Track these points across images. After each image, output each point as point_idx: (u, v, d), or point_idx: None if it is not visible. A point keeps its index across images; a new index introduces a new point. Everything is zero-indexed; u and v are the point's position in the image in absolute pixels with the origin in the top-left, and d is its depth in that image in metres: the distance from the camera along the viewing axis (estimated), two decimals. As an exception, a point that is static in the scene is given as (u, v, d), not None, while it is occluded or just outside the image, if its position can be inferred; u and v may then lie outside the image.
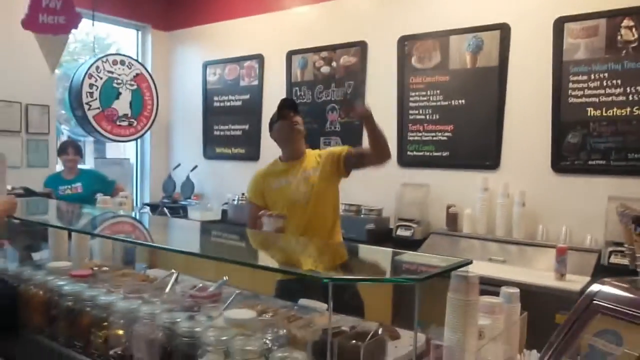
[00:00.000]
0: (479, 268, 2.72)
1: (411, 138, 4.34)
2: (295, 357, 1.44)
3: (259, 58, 5.34)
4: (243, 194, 5.15)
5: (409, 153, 4.34)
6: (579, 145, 3.59)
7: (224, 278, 2.28)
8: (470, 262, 1.56)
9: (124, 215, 3.13)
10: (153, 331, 1.68)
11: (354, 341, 1.63)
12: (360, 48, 4.64)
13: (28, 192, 4.29)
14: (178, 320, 1.64)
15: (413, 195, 4.19)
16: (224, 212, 5.18)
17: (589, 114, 3.55)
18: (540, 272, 3.25)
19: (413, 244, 3.90)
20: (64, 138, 5.83)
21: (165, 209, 5.38)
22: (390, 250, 2.05)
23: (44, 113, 5.07)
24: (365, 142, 2.80)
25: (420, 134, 4.30)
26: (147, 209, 5.62)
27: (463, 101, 4.08)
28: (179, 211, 5.42)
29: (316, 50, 4.89)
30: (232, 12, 5.53)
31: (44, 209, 3.46)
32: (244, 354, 1.44)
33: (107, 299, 1.88)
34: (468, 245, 3.85)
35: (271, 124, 2.89)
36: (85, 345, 1.88)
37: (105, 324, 1.84)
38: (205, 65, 5.79)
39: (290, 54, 5.07)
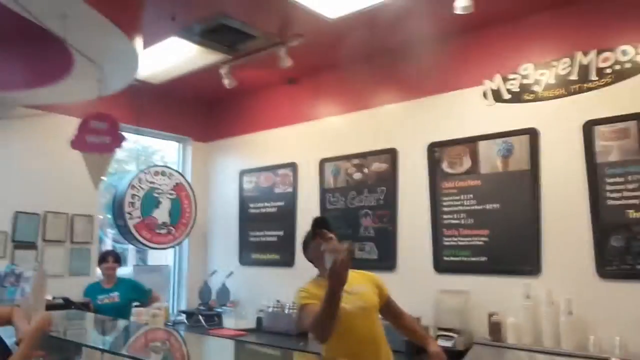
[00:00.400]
0: None
1: (447, 243, 4.27)
2: None
3: (293, 166, 5.49)
4: (278, 300, 5.09)
5: (445, 258, 4.26)
6: (624, 249, 3.45)
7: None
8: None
9: (155, 333, 3.11)
10: None
11: None
12: (390, 155, 4.72)
13: (67, 303, 4.37)
14: None
15: (452, 303, 4.04)
16: (259, 319, 5.10)
17: (630, 216, 3.44)
18: (593, 388, 3.01)
19: (455, 356, 3.69)
20: (107, 244, 6.02)
21: (200, 316, 5.34)
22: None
23: (88, 222, 5.26)
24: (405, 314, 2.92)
25: (455, 239, 4.23)
26: (183, 316, 5.59)
27: (497, 205, 4.03)
28: (214, 318, 5.37)
29: (348, 157, 5.01)
30: (266, 123, 5.79)
31: (81, 322, 3.49)
32: None
33: None
34: (514, 357, 3.64)
35: (305, 244, 2.80)
36: None
37: None
38: (242, 174, 5.99)
39: (322, 162, 5.21)
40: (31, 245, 4.90)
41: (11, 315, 2.44)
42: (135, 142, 6.11)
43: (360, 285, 2.70)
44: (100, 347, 2.78)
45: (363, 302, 2.64)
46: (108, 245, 6.19)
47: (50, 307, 4.27)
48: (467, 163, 4.24)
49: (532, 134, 3.93)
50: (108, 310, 4.29)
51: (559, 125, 3.82)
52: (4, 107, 4.74)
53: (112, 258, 4.67)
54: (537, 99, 3.94)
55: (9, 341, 2.26)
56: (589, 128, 3.67)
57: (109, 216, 5.61)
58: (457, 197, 4.25)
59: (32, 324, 2.20)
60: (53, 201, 5.08)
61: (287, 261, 5.39)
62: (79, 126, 3.66)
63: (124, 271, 5.51)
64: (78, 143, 3.57)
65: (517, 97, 4.03)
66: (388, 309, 2.81)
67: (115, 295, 4.61)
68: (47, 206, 5.05)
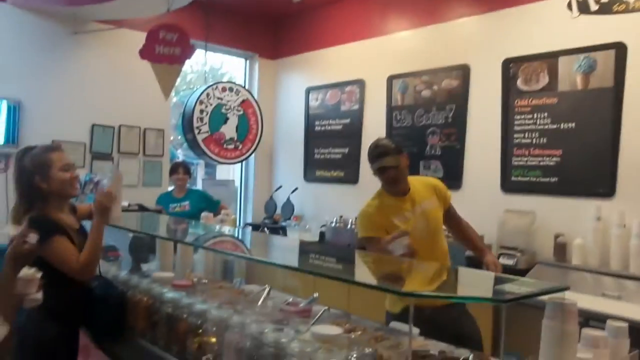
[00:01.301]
0: (591, 303, 2.53)
1: (516, 163, 4.14)
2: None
3: (360, 83, 5.41)
4: (341, 216, 5.19)
5: (513, 179, 4.15)
6: None
7: (314, 295, 2.30)
8: (567, 289, 1.45)
9: (224, 231, 3.26)
10: (242, 340, 1.72)
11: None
12: (462, 71, 4.55)
13: (142, 209, 4.65)
14: (266, 330, 1.67)
15: (517, 223, 3.97)
16: (322, 234, 5.24)
17: None
18: (660, 310, 2.92)
19: (516, 274, 3.61)
20: (179, 158, 6.26)
21: (265, 228, 5.55)
22: (487, 272, 1.96)
23: (159, 136, 5.48)
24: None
25: (525, 159, 4.09)
26: (249, 228, 5.83)
27: (573, 124, 3.84)
28: (279, 231, 5.56)
29: (417, 74, 4.87)
30: (334, 39, 5.68)
31: (154, 223, 3.71)
32: (325, 367, 1.44)
33: (203, 308, 1.97)
34: (578, 277, 3.57)
35: (370, 162, 2.67)
36: (181, 350, 1.97)
37: (200, 331, 1.92)
38: (308, 91, 5.97)
39: (391, 79, 5.09)
40: (107, 157, 5.19)
41: (91, 210, 2.63)
42: (203, 64, 6.18)
43: (426, 201, 2.65)
44: (174, 239, 2.96)
45: (427, 224, 2.61)
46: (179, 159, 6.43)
47: (126, 212, 4.57)
48: (544, 80, 4.01)
49: (619, 49, 3.64)
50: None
51: (650, 38, 3.52)
52: (77, 21, 4.88)
53: (182, 169, 4.83)
54: (628, 9, 3.62)
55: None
56: (684, 41, 3.36)
57: (179, 137, 5.79)
58: (531, 116, 4.07)
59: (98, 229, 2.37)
60: (127, 115, 5.30)
61: (352, 178, 5.43)
62: (147, 36, 3.73)
63: (193, 187, 5.74)
64: (147, 53, 3.64)
65: (606, 8, 3.72)
66: (449, 215, 2.79)
67: (186, 204, 4.82)
68: (121, 120, 5.28)
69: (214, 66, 10.59)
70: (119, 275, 2.64)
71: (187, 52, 3.76)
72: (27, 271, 1.69)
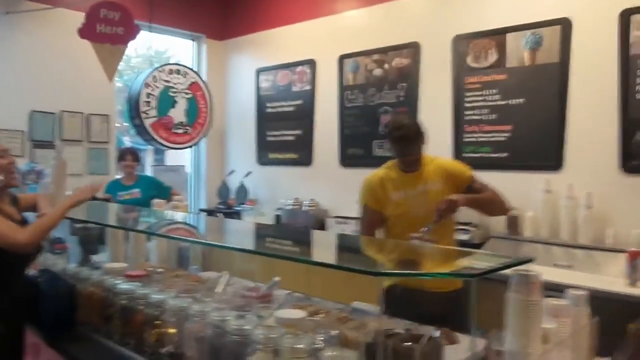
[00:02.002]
0: (543, 273, 2.57)
1: (467, 139, 4.20)
2: (346, 356, 1.37)
3: (311, 63, 5.34)
4: (296, 198, 5.15)
5: (465, 155, 4.20)
6: (650, 143, 3.36)
7: (275, 279, 2.26)
8: (531, 260, 1.46)
9: (177, 218, 3.16)
10: (203, 329, 1.66)
11: (408, 344, 1.56)
12: (413, 49, 4.55)
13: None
14: (228, 318, 1.62)
15: (470, 198, 4.03)
16: (278, 217, 5.19)
17: (660, 110, 3.32)
18: (610, 278, 3.04)
19: (471, 247, 3.75)
20: (126, 145, 6.03)
21: (220, 214, 5.44)
22: (452, 248, 1.96)
23: (104, 122, 5.25)
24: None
25: (476, 135, 4.15)
26: (203, 214, 5.71)
27: (522, 100, 3.91)
28: (233, 216, 5.46)
29: (368, 53, 4.84)
30: (283, 19, 5.57)
31: (103, 213, 3.56)
32: (293, 353, 1.40)
33: (160, 298, 1.89)
34: (531, 249, 3.67)
35: (390, 142, 2.61)
36: (139, 343, 1.89)
37: (158, 322, 1.84)
38: (258, 72, 5.85)
39: (342, 58, 5.04)
40: (49, 144, 4.94)
41: (35, 200, 2.49)
42: (148, 48, 5.94)
43: (431, 182, 2.55)
44: (125, 227, 2.84)
45: (426, 204, 2.47)
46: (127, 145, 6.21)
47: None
48: (492, 56, 4.06)
49: (565, 25, 3.72)
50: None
51: (594, 14, 3.60)
52: (9, 1, 4.58)
53: (130, 156, 4.63)
54: (572, -15, 3.70)
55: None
56: (626, 17, 3.45)
57: (126, 120, 5.57)
58: (481, 93, 4.13)
59: (74, 194, 2.25)
60: (69, 100, 5.04)
61: (305, 160, 5.38)
62: (87, 14, 3.53)
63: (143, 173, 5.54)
64: (87, 32, 3.45)
65: (550, -16, 3.78)
66: (471, 191, 2.59)
67: (136, 192, 4.64)
68: (63, 105, 5.02)
69: (159, 50, 10.26)
70: (67, 268, 2.51)
71: (132, 32, 3.59)
72: None
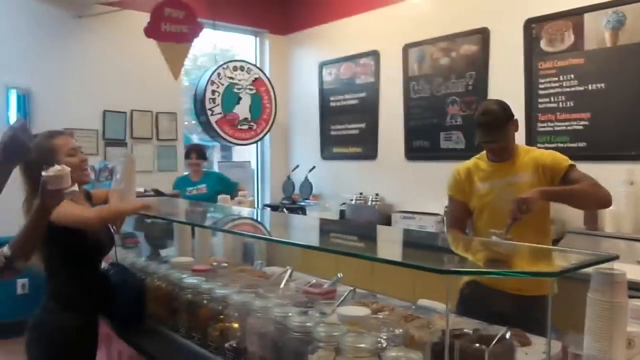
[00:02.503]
0: (626, 271, 2.37)
1: (541, 129, 3.97)
2: (411, 357, 1.30)
3: (375, 54, 5.23)
4: (361, 193, 5.08)
5: (539, 145, 3.97)
6: None
7: (339, 275, 2.20)
8: (617, 258, 1.32)
9: (242, 213, 3.17)
10: (265, 325, 1.63)
11: (477, 345, 1.47)
12: (481, 35, 4.35)
13: (158, 194, 4.57)
14: (290, 314, 1.57)
15: (544, 191, 3.81)
16: (342, 212, 5.14)
17: None
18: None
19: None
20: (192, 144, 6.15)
21: (284, 209, 5.46)
22: (528, 245, 1.82)
23: (172, 120, 5.39)
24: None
25: (552, 124, 3.92)
26: (268, 209, 5.74)
27: (602, 85, 3.65)
28: (298, 211, 5.47)
29: (434, 41, 4.68)
30: (346, 10, 5.50)
31: (171, 208, 3.63)
32: (355, 352, 1.33)
33: (223, 293, 1.88)
34: (611, 245, 3.42)
35: (475, 127, 2.43)
36: (203, 337, 1.89)
37: (222, 317, 1.83)
38: (321, 66, 5.81)
39: (406, 48, 4.91)
40: (121, 142, 5.12)
41: (107, 196, 2.56)
42: (214, 47, 6.03)
43: (521, 173, 2.36)
44: (190, 222, 2.87)
45: (513, 197, 2.23)
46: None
47: (142, 197, 4.50)
48: (569, 39, 3.81)
49: (649, 1, 3.43)
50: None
51: (684, -12, 3.30)
52: (80, 5, 4.77)
53: (195, 154, 4.68)
54: (658, -43, 3.40)
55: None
56: None
57: (193, 117, 5.69)
58: (556, 78, 3.89)
59: (129, 204, 2.30)
60: (138, 100, 5.21)
61: (370, 154, 5.29)
62: (152, 13, 3.60)
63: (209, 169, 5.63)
64: (152, 31, 3.52)
65: (634, -43, 3.50)
66: (567, 183, 2.32)
67: (202, 187, 4.72)
68: (133, 105, 5.19)
69: (223, 48, 10.44)
70: (135, 262, 2.57)
71: (196, 30, 3.64)
72: (53, 168, 1.59)
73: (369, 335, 1.43)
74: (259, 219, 3.33)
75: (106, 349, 2.53)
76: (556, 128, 3.88)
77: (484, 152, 2.48)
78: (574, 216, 3.71)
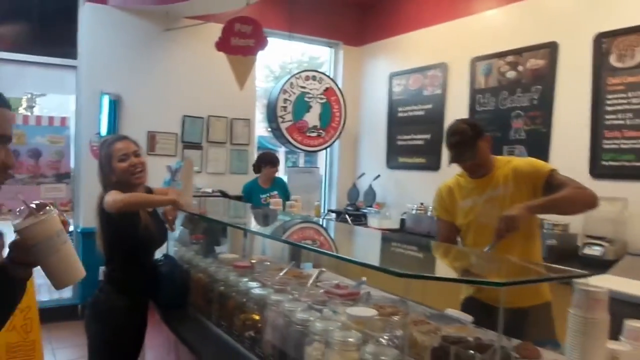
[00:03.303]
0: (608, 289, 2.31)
1: (607, 146, 3.83)
2: (386, 352, 1.40)
3: (443, 66, 5.26)
4: (422, 203, 5.11)
5: (603, 163, 3.84)
6: None
7: (363, 279, 2.31)
8: (588, 275, 1.35)
9: (298, 219, 3.34)
10: (277, 318, 1.78)
11: (470, 351, 1.53)
12: (549, 50, 4.27)
13: (223, 195, 4.88)
14: (296, 309, 1.72)
15: (606, 210, 3.65)
16: (402, 221, 5.20)
17: None
18: None
19: (603, 265, 3.42)
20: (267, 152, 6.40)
21: (347, 215, 5.60)
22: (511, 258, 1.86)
23: (245, 126, 5.71)
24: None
25: (618, 142, 3.77)
26: (332, 215, 5.91)
27: (673, 102, 3.48)
28: (361, 218, 5.59)
29: (501, 55, 4.64)
30: (416, 23, 5.56)
31: (232, 210, 3.88)
32: (341, 345, 1.45)
33: (247, 287, 2.05)
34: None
35: (447, 147, 2.47)
36: (230, 325, 2.08)
37: (245, 308, 2.01)
38: (391, 77, 5.91)
39: (474, 61, 4.90)
40: (197, 146, 5.50)
41: (167, 193, 2.83)
42: (304, 54, 6.28)
43: (502, 186, 2.35)
44: (229, 223, 3.08)
45: (497, 210, 2.26)
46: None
47: (208, 196, 4.81)
48: (639, 55, 3.67)
49: None
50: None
51: None
52: (168, 18, 5.20)
53: (270, 164, 4.72)
54: None
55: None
56: None
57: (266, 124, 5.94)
58: (624, 95, 3.75)
59: (157, 197, 2.53)
60: (215, 106, 5.57)
61: (433, 165, 5.32)
62: (223, 29, 3.89)
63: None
64: (222, 45, 3.81)
65: None
66: (551, 188, 2.27)
67: (275, 194, 4.80)
68: (210, 110, 5.56)
69: (312, 55, 10.76)
70: (185, 255, 2.81)
71: (261, 43, 3.89)
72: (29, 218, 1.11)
73: (360, 332, 1.54)
74: (312, 226, 3.49)
75: (159, 331, 2.79)
76: (622, 146, 3.74)
77: (459, 174, 2.49)
78: (636, 237, 3.57)
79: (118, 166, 2.31)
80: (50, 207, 1.11)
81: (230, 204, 3.87)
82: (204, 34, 5.38)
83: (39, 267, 1.13)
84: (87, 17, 5.03)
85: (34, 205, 1.09)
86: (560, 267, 1.43)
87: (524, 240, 2.30)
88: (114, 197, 2.22)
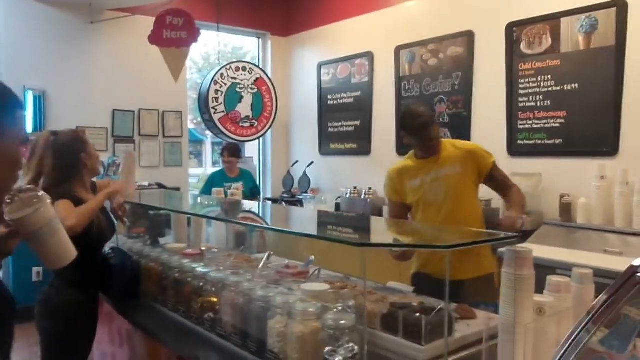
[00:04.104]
0: (592, 260, 2.66)
1: (521, 126, 4.19)
2: (345, 317, 1.55)
3: (369, 55, 5.48)
4: (355, 187, 5.33)
5: (519, 142, 4.20)
6: None
7: (311, 258, 2.46)
8: (515, 238, 1.56)
9: (238, 205, 3.44)
10: (236, 298, 1.90)
11: (417, 314, 1.71)
12: (467, 38, 4.58)
13: (160, 187, 4.87)
14: (255, 287, 1.84)
15: (523, 185, 3.97)
16: (337, 205, 5.40)
17: None
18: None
19: (523, 235, 3.74)
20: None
21: (283, 202, 5.73)
22: (457, 228, 2.08)
23: (177, 118, 5.69)
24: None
25: (530, 122, 4.14)
26: (269, 203, 6.02)
27: (576, 85, 3.87)
28: (297, 204, 5.74)
29: (423, 43, 4.92)
30: (342, 14, 5.75)
31: (172, 200, 3.92)
32: (303, 315, 1.60)
33: (204, 271, 2.15)
34: (583, 236, 3.63)
35: (401, 129, 2.70)
36: (187, 310, 2.17)
37: (202, 292, 2.11)
38: (320, 66, 6.07)
39: (398, 49, 5.15)
40: (129, 139, 5.43)
41: (109, 185, 2.84)
42: (227, 44, 6.30)
43: (448, 166, 2.55)
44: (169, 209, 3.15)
45: (443, 189, 2.52)
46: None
47: (146, 189, 4.78)
48: (546, 42, 4.03)
49: (620, 7, 3.63)
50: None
51: (651, -6, 3.50)
52: (93, 11, 5.08)
53: (227, 152, 4.82)
54: (628, -34, 3.60)
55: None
56: (684, -5, 3.34)
57: (198, 115, 5.94)
58: (535, 79, 4.11)
59: (96, 198, 2.56)
60: (145, 99, 5.52)
61: (364, 150, 5.55)
62: (155, 22, 3.89)
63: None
64: (155, 38, 3.82)
65: (605, -35, 3.70)
66: (491, 180, 2.61)
67: (239, 185, 4.72)
68: (141, 104, 5.49)
69: (236, 46, 10.75)
70: (133, 247, 2.85)
71: (193, 35, 3.92)
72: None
73: (319, 303, 1.69)
74: (250, 210, 3.60)
75: (108, 325, 2.82)
76: (534, 125, 4.10)
77: (412, 151, 2.69)
78: (550, 208, 3.94)
79: (95, 153, 2.40)
80: (37, 191, 1.16)
81: (172, 194, 3.90)
82: (131, 27, 5.30)
83: None
84: (4, 10, 4.82)
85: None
86: (496, 232, 1.63)
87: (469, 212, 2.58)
88: (69, 223, 2.17)
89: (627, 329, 1.13)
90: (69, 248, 1.22)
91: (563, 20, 3.92)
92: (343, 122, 5.80)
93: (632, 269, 1.24)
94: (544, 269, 2.70)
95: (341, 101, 5.83)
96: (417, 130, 2.54)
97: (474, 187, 2.63)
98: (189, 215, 3.02)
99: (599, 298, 1.28)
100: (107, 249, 2.70)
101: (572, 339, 1.18)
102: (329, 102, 5.98)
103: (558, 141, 3.98)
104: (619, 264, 2.92)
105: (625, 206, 3.51)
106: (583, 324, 1.23)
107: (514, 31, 4.23)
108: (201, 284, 2.12)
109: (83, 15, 5.09)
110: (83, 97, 5.15)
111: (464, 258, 2.38)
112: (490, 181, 2.62)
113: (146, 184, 4.77)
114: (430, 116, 2.59)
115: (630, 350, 1.04)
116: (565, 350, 1.16)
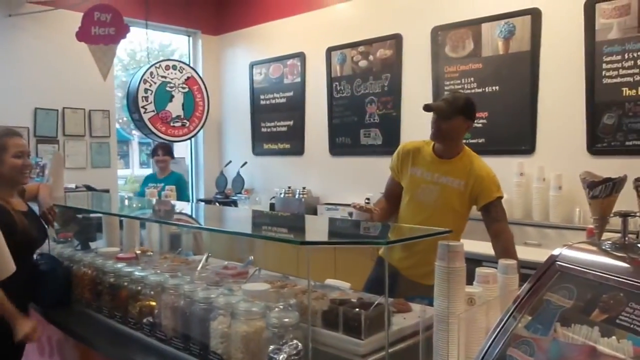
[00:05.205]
0: (463, 243, 2.74)
1: (447, 126, 4.38)
2: (289, 315, 1.59)
3: (301, 56, 5.54)
4: (289, 187, 5.37)
5: (445, 141, 4.39)
6: (615, 127, 3.54)
7: (250, 258, 2.48)
8: (449, 232, 1.67)
9: (170, 206, 3.39)
10: (177, 300, 1.89)
11: (357, 309, 1.78)
12: (395, 41, 4.73)
13: (89, 189, 4.71)
14: (196, 290, 1.84)
15: (450, 183, 4.23)
16: (272, 205, 5.42)
17: (624, 94, 3.49)
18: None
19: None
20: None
21: (217, 203, 5.68)
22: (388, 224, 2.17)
23: (104, 117, 5.50)
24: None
25: (456, 122, 4.33)
26: (202, 204, 5.94)
27: (497, 87, 4.10)
28: (230, 205, 5.70)
29: (354, 45, 5.03)
30: (274, 14, 5.77)
31: (102, 203, 3.80)
32: (247, 315, 1.62)
33: (141, 275, 2.12)
34: (504, 230, 3.86)
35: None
36: (124, 315, 2.13)
37: (140, 296, 2.08)
38: (252, 66, 6.06)
39: (329, 50, 5.24)
40: (53, 140, 5.19)
41: (38, 191, 2.73)
42: (148, 43, 6.14)
43: (451, 177, 2.46)
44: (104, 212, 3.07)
45: (437, 195, 2.46)
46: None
47: (73, 192, 4.61)
48: (469, 46, 4.24)
49: (535, 14, 3.89)
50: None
51: (562, 4, 3.77)
52: (11, 3, 4.81)
53: (161, 151, 4.71)
54: (542, -24, 3.86)
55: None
56: (591, 6, 3.62)
57: (126, 114, 5.79)
58: (459, 81, 4.31)
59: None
60: (70, 97, 5.29)
61: (298, 150, 5.60)
62: (83, 18, 3.76)
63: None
64: (83, 35, 3.70)
65: (522, -25, 3.95)
66: (485, 213, 2.49)
67: (160, 186, 4.48)
68: (65, 102, 5.27)
69: (163, 43, 10.48)
70: (63, 253, 2.75)
71: (122, 32, 3.82)
72: None
73: (262, 303, 1.72)
74: (183, 211, 3.57)
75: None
76: (460, 126, 4.30)
77: (430, 141, 2.57)
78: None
79: (11, 161, 2.23)
80: None
81: (101, 196, 3.78)
82: (54, 21, 5.07)
83: None
84: None
85: None
86: (437, 228, 1.73)
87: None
88: None
89: (549, 314, 1.24)
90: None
91: (484, 25, 4.15)
92: (276, 122, 5.82)
93: (552, 258, 1.37)
94: (472, 261, 2.88)
95: (274, 101, 5.85)
96: (441, 100, 2.48)
97: (465, 209, 2.52)
98: (121, 218, 2.94)
99: (523, 287, 1.39)
100: (35, 255, 2.59)
101: (500, 326, 1.28)
102: (262, 102, 5.99)
103: (481, 140, 4.20)
104: (539, 255, 3.14)
105: (542, 201, 3.77)
106: (510, 312, 1.34)
107: (438, 35, 4.42)
108: (139, 287, 2.09)
109: (1, 8, 4.81)
110: (2, 94, 4.87)
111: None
112: (484, 212, 2.50)
113: (73, 186, 4.59)
114: (459, 104, 2.44)
115: (552, 333, 1.14)
116: (495, 337, 1.26)
